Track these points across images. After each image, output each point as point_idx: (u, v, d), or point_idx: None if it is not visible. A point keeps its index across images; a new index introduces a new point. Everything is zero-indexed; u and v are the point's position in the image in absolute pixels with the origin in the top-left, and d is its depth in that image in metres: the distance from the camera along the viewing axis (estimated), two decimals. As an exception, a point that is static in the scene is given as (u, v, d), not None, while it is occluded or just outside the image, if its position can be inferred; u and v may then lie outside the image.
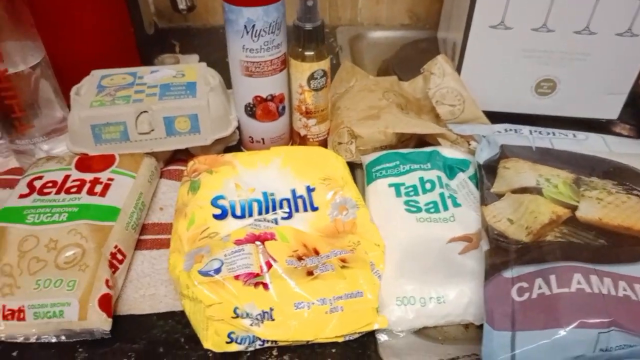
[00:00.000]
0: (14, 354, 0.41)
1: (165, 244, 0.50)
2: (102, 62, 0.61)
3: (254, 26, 0.50)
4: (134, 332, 0.43)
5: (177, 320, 0.44)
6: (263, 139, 0.60)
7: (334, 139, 0.58)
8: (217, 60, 0.78)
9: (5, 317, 0.41)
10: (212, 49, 0.81)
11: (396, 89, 0.64)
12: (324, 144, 0.61)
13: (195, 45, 0.83)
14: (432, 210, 0.49)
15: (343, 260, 0.43)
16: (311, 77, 0.54)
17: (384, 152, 0.56)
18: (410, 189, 0.51)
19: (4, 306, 0.41)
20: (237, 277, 0.41)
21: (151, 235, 0.51)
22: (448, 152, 0.55)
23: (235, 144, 0.61)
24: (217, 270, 0.41)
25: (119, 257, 0.46)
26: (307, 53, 0.53)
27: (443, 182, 0.52)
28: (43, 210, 0.47)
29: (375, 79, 0.66)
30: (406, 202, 0.50)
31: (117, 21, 0.64)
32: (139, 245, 0.50)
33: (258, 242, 0.43)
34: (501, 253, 0.42)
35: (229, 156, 0.53)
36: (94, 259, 0.44)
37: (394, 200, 0.50)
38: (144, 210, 0.52)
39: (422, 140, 0.59)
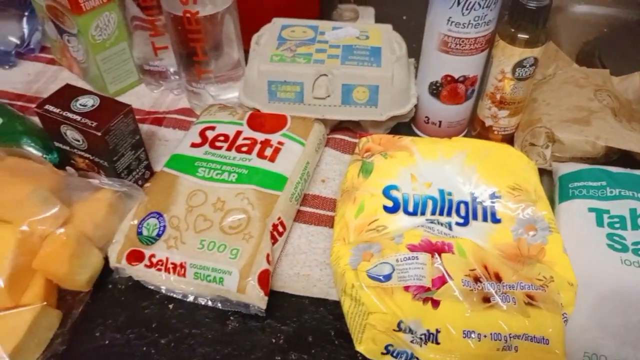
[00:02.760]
0: (170, 306, 0.42)
1: (324, 221, 0.47)
2: (282, 9, 0.57)
3: (470, -3, 0.43)
4: (284, 312, 0.41)
5: (330, 310, 0.42)
6: (440, 122, 0.53)
7: (525, 138, 0.50)
8: (393, 17, 0.71)
9: (167, 270, 0.41)
10: (388, 3, 0.75)
11: (609, 88, 0.53)
12: (508, 139, 0.53)
13: (370, -4, 0.76)
14: (642, 252, 0.41)
15: (530, 297, 0.37)
16: (519, 65, 0.46)
17: (587, 166, 0.47)
18: (617, 220, 0.43)
19: (167, 258, 0.41)
20: (406, 289, 0.37)
21: (310, 208, 0.48)
22: (670, 181, 0.45)
23: (406, 122, 0.55)
24: (387, 277, 0.37)
25: (280, 229, 0.44)
26: (520, 35, 0.45)
27: (662, 220, 0.42)
28: (214, 166, 0.45)
29: (583, 71, 0.56)
30: (609, 236, 0.42)
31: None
32: (298, 217, 0.47)
33: (434, 253, 0.38)
34: None
35: (407, 140, 0.47)
36: (258, 230, 0.42)
37: (594, 229, 0.42)
38: (307, 181, 0.49)
39: (626, 155, 0.49)
